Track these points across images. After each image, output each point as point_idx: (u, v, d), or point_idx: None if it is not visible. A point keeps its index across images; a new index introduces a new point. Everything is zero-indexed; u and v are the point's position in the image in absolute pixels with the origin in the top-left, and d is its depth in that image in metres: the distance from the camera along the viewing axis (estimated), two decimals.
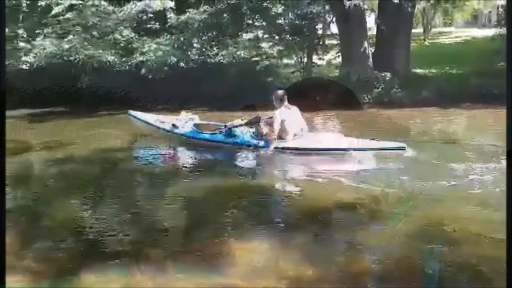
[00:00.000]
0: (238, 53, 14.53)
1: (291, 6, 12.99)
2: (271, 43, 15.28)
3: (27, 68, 15.23)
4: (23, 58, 14.98)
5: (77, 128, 9.44)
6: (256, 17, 14.18)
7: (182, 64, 13.27)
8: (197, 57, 14.18)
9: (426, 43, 23.15)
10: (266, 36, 15.06)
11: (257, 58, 14.69)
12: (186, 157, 7.06)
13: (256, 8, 13.43)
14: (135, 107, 8.65)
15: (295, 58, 14.65)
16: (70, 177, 6.02)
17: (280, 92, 6.68)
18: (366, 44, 12.43)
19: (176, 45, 13.34)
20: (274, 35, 14.64)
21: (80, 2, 13.01)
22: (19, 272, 3.28)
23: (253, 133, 6.70)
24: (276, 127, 6.35)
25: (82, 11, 13.12)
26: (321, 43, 14.56)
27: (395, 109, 10.70)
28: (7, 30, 15.60)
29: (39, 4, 13.90)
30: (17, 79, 17.27)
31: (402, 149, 6.03)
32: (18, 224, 4.27)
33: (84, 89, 14.22)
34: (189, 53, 13.81)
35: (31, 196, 5.32)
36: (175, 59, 12.93)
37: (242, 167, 6.33)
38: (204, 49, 14.56)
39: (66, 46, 13.02)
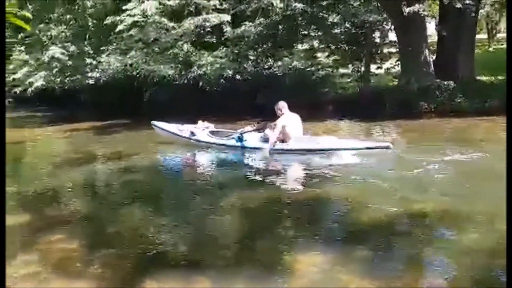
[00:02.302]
0: (293, 64, 14.55)
1: (347, 16, 12.83)
2: (327, 53, 15.18)
3: (93, 83, 16.08)
4: (89, 74, 15.83)
5: (139, 139, 9.77)
6: (311, 28, 14.14)
7: (237, 76, 13.45)
8: (252, 69, 14.35)
9: (490, 49, 22.02)
10: (321, 46, 14.97)
11: (312, 68, 14.62)
12: (204, 161, 7.68)
13: (311, 19, 13.39)
14: (192, 119, 8.88)
15: (352, 68, 14.43)
16: (133, 186, 6.22)
17: (281, 102, 7.55)
18: (426, 51, 11.99)
19: (232, 58, 13.57)
20: (330, 44, 14.53)
21: (142, 19, 13.56)
22: (85, 278, 3.40)
23: (261, 137, 7.55)
24: (276, 131, 7.22)
25: (143, 28, 13.67)
26: (379, 51, 14.26)
27: (459, 118, 10.21)
28: (74, 48, 16.65)
29: (104, 23, 14.63)
30: (83, 93, 18.43)
31: (388, 148, 6.77)
32: (84, 231, 4.46)
33: (145, 102, 14.81)
34: (244, 65, 14.01)
35: (97, 204, 5.53)
36: (230, 72, 13.14)
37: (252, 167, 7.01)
38: (259, 61, 14.72)
39: (129, 62, 13.60)
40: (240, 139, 7.63)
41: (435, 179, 5.54)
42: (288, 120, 7.34)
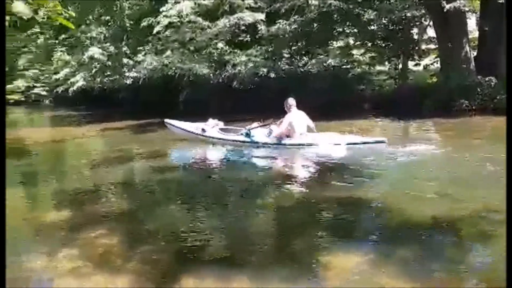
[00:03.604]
0: (328, 61, 14.40)
1: (384, 12, 12.57)
2: (363, 50, 14.96)
3: (130, 82, 16.42)
4: (127, 74, 16.18)
5: (174, 138, 9.89)
6: (347, 24, 13.96)
7: (272, 74, 13.43)
8: (286, 67, 14.31)
9: None
10: (357, 43, 14.76)
11: (348, 66, 14.43)
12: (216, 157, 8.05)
13: (347, 15, 13.20)
14: (226, 118, 9.00)
15: (389, 65, 14.16)
16: (169, 184, 6.32)
17: (290, 99, 7.99)
18: (467, 47, 11.61)
19: (266, 56, 13.57)
20: (366, 41, 14.29)
21: (178, 19, 13.74)
22: (125, 273, 3.48)
23: (267, 133, 8.02)
24: (283, 126, 7.75)
25: (179, 28, 13.86)
26: (417, 48, 13.92)
27: (502, 116, 9.82)
28: (113, 48, 17.08)
29: (141, 25, 14.92)
30: (121, 93, 18.85)
31: (383, 142, 7.26)
32: (124, 227, 4.56)
33: (181, 101, 15.01)
34: (279, 63, 13.98)
35: (135, 201, 5.64)
36: (265, 70, 13.13)
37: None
38: (293, 59, 14.65)
39: (166, 61, 13.82)
40: (248, 135, 8.09)
41: (474, 179, 5.37)
42: (295, 116, 7.83)
